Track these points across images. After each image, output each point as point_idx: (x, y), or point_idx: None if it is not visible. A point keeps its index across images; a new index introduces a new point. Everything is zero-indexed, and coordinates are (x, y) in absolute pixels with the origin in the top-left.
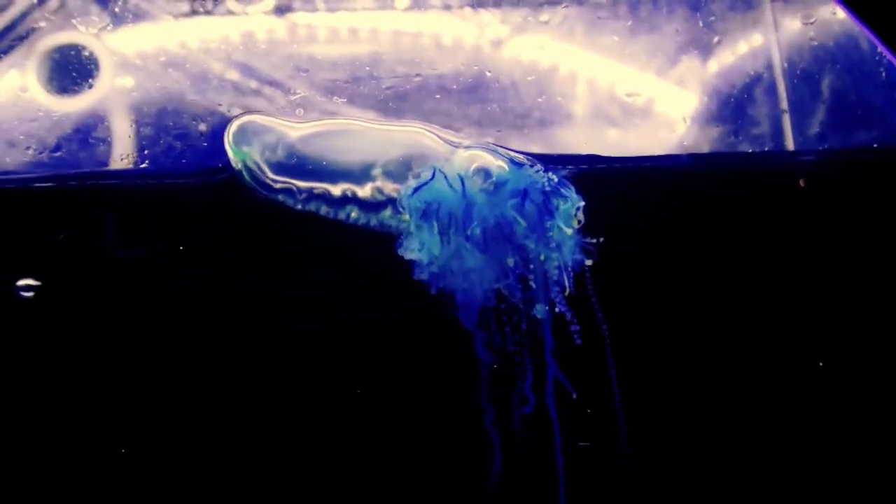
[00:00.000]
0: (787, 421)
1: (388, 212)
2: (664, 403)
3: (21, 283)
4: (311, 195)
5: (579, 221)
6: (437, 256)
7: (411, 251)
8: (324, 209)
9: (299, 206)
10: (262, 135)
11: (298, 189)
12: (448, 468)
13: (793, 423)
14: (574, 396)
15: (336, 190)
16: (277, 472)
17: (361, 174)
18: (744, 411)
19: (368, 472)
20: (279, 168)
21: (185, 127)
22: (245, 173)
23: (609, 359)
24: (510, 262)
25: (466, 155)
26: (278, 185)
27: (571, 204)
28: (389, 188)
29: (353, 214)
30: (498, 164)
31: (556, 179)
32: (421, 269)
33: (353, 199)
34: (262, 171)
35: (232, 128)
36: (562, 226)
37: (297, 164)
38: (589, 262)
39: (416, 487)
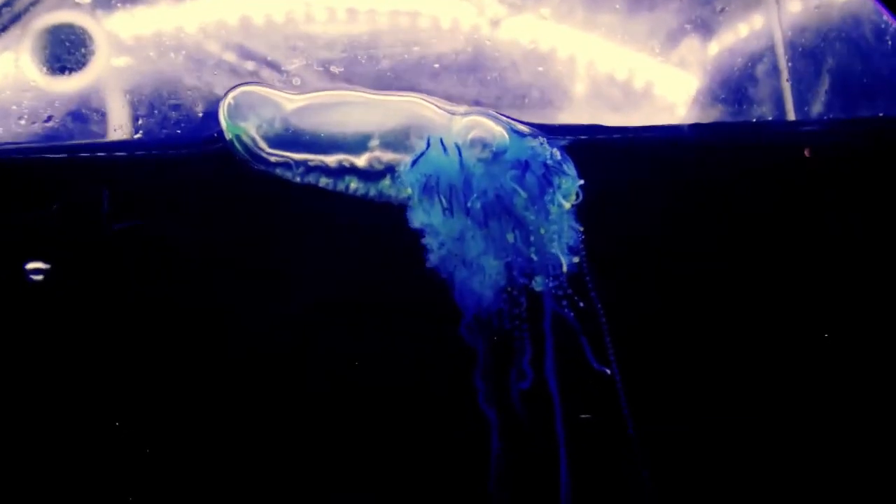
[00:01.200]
0: (789, 399)
1: (386, 181)
2: (662, 378)
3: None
4: (309, 167)
5: (578, 197)
6: (438, 228)
7: (414, 221)
8: (323, 181)
9: (298, 179)
10: (257, 108)
11: (296, 162)
12: (448, 445)
13: (795, 401)
14: (573, 371)
15: (334, 161)
16: (275, 445)
17: (359, 144)
18: (742, 388)
19: (368, 447)
20: (276, 142)
21: (181, 102)
22: (241, 148)
23: (606, 333)
24: (510, 236)
25: (464, 122)
26: (275, 159)
27: (572, 182)
28: (388, 158)
29: (353, 185)
30: (498, 131)
31: (557, 155)
32: (424, 240)
33: (351, 170)
34: (259, 146)
35: (226, 101)
36: (562, 200)
37: (293, 137)
38: (587, 236)
39: (416, 464)
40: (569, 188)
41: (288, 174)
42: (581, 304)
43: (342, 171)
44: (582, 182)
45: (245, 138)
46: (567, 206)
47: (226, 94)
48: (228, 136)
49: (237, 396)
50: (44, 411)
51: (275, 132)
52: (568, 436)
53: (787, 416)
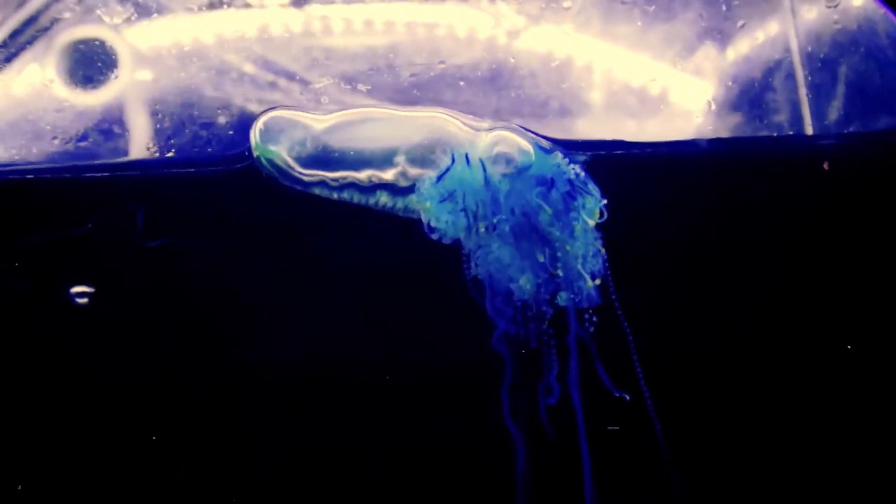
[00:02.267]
0: (817, 414)
1: (414, 196)
2: (686, 387)
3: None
4: (341, 185)
5: (602, 215)
6: (463, 244)
7: (439, 238)
8: (354, 197)
9: (331, 195)
10: (287, 131)
11: (329, 180)
12: (474, 458)
13: (820, 415)
14: (599, 386)
15: (363, 177)
16: (297, 453)
17: (386, 160)
18: (765, 399)
19: (392, 460)
20: (308, 162)
21: (208, 117)
22: (275, 171)
23: (632, 346)
24: (537, 254)
25: (490, 137)
26: (308, 179)
27: (596, 201)
28: (414, 172)
29: (382, 200)
30: (523, 147)
31: (581, 174)
32: (448, 256)
33: (380, 186)
34: (292, 167)
35: (257, 127)
36: (586, 218)
37: (324, 156)
38: (610, 251)
39: (440, 476)
40: (592, 207)
41: (322, 191)
42: (606, 320)
43: (372, 187)
44: (604, 199)
45: (279, 161)
46: (591, 223)
47: (255, 120)
48: (262, 161)
49: (270, 413)
50: (76, 428)
51: (306, 153)
52: (592, 449)
53: (817, 434)
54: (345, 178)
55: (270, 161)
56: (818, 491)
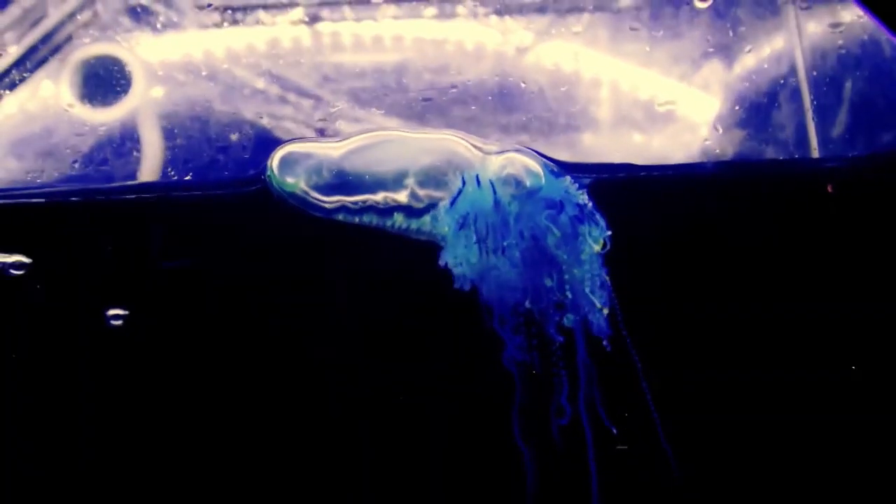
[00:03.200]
0: (818, 438)
1: (427, 218)
2: (694, 411)
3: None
4: (360, 209)
5: (606, 245)
6: (474, 266)
7: (450, 261)
8: (373, 220)
9: (356, 220)
10: (302, 162)
11: (348, 204)
12: (483, 480)
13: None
14: (605, 407)
15: (379, 200)
16: (303, 481)
17: (399, 183)
18: (776, 420)
19: (400, 482)
20: (326, 189)
21: (223, 138)
22: (296, 202)
23: (638, 366)
24: (545, 278)
25: (500, 160)
26: (328, 206)
27: (601, 230)
28: (426, 194)
29: (398, 222)
30: (533, 169)
31: (588, 204)
32: (459, 279)
33: (395, 209)
34: (312, 196)
35: (274, 162)
36: (592, 244)
37: (341, 182)
38: (616, 272)
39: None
40: (598, 235)
41: (345, 217)
42: (613, 341)
43: (389, 210)
44: (610, 222)
45: (298, 192)
46: (597, 249)
47: (271, 156)
48: (283, 194)
49: (281, 437)
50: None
51: (324, 181)
52: (601, 468)
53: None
54: (363, 201)
55: (292, 194)
56: None
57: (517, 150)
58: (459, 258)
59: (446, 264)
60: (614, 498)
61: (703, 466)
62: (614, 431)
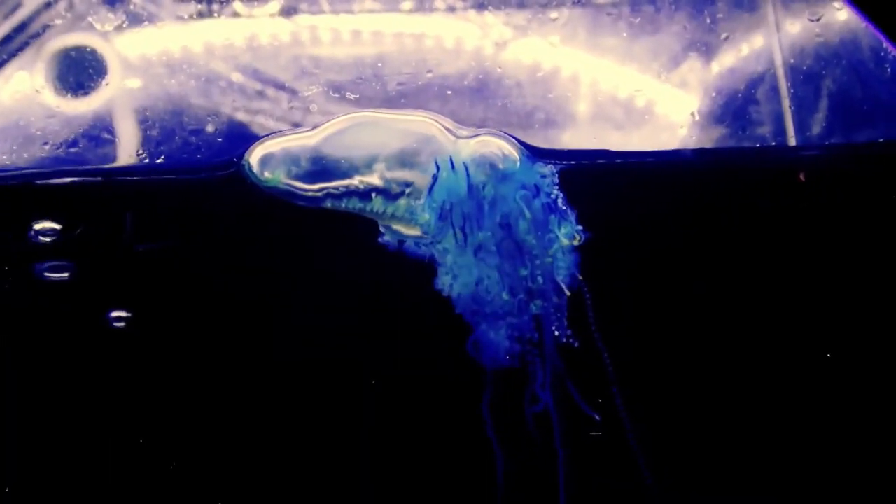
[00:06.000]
0: (791, 415)
1: (403, 201)
2: (664, 400)
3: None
4: (341, 194)
5: (579, 239)
6: (448, 251)
7: (426, 248)
8: (355, 205)
9: (342, 205)
10: (280, 155)
11: (331, 190)
12: (455, 471)
13: (797, 418)
14: (582, 394)
15: (358, 184)
16: (283, 472)
17: (373, 167)
18: (746, 409)
19: (374, 473)
20: (307, 178)
21: (197, 125)
22: (279, 194)
23: (606, 357)
24: (518, 263)
25: (474, 142)
26: (312, 194)
27: (572, 226)
28: (400, 177)
29: (377, 206)
30: (507, 151)
31: (560, 200)
32: (434, 266)
33: (374, 192)
34: (295, 187)
35: (252, 159)
36: (562, 236)
37: (320, 169)
38: (591, 259)
39: (422, 490)
40: (569, 231)
41: (332, 203)
42: (584, 328)
43: (367, 194)
44: (586, 210)
45: (281, 185)
46: (566, 243)
47: (248, 152)
48: (264, 189)
49: (251, 414)
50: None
51: (304, 170)
52: (570, 457)
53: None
54: (345, 186)
55: (275, 188)
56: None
57: (491, 133)
58: (436, 244)
59: (425, 251)
60: (584, 485)
61: (677, 455)
62: (590, 419)
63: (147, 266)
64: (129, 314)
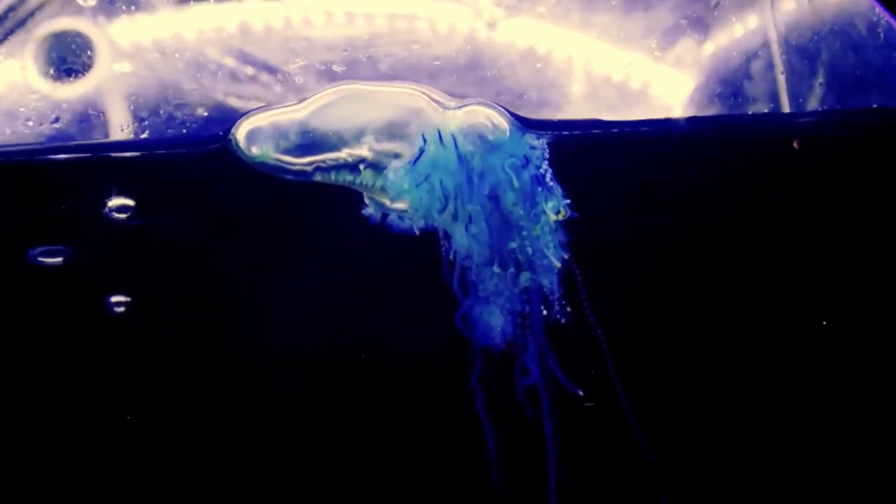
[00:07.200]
0: (780, 392)
1: (389, 173)
2: (654, 375)
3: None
4: (330, 167)
5: (566, 213)
6: (436, 224)
7: (411, 219)
8: (345, 178)
9: (331, 178)
10: (268, 130)
11: (319, 163)
12: (445, 447)
13: (788, 398)
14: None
15: (346, 156)
16: (274, 449)
17: (363, 138)
18: (738, 384)
19: (362, 450)
20: (296, 151)
21: (185, 102)
22: (269, 169)
23: (599, 331)
24: (508, 235)
25: (463, 112)
26: (302, 168)
27: (558, 201)
28: (389, 148)
29: (366, 179)
30: (497, 121)
31: (548, 175)
32: (422, 239)
33: (363, 164)
34: (285, 161)
35: (239, 135)
36: (550, 211)
37: (308, 142)
38: (582, 232)
39: (411, 469)
40: (555, 205)
41: (322, 177)
42: (575, 301)
43: (356, 166)
44: (577, 180)
45: (270, 161)
46: (552, 217)
47: (235, 127)
48: (251, 162)
49: (240, 399)
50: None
51: (293, 144)
52: (561, 433)
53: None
54: (332, 159)
55: (264, 164)
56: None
57: (480, 103)
58: (422, 215)
59: (410, 222)
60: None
61: (666, 432)
62: (580, 394)
63: (132, 242)
64: (123, 297)
